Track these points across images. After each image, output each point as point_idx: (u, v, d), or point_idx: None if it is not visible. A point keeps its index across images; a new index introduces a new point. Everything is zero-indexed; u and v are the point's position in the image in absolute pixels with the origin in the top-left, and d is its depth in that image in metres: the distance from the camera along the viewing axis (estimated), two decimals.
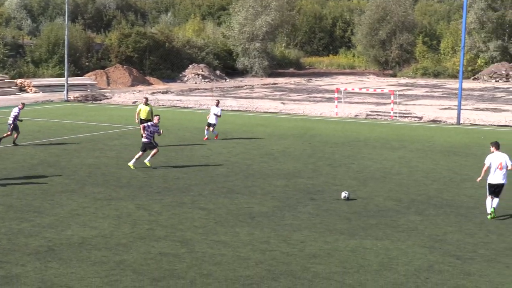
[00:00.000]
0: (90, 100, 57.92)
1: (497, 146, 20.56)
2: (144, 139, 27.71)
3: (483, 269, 15.66)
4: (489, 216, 20.06)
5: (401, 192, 23.68)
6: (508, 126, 42.93)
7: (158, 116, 28.36)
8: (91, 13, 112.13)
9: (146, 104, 34.08)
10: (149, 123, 27.93)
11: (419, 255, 16.60)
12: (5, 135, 32.56)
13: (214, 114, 35.34)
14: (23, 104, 34.52)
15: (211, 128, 35.35)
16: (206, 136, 35.26)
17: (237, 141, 35.05)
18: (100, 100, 58.45)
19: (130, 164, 27.29)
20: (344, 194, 22.42)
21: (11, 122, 32.57)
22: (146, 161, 27.50)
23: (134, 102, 55.96)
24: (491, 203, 20.14)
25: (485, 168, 20.46)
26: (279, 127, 40.41)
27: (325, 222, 19.53)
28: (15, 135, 32.73)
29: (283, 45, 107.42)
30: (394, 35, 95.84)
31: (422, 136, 37.70)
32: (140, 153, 27.61)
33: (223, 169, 27.41)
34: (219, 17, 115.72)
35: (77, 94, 60.29)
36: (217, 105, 36.35)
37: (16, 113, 32.63)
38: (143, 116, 33.56)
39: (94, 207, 20.94)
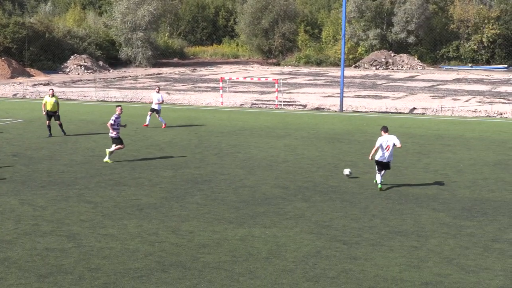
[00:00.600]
0: None
1: (386, 129, 22.82)
2: (112, 134, 27.09)
3: (369, 253, 16.05)
4: (379, 186, 22.45)
5: (288, 179, 23.97)
6: (389, 112, 44.10)
7: (120, 107, 27.85)
8: None
9: (53, 95, 33.86)
10: (113, 117, 27.18)
11: (306, 242, 16.87)
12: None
13: (158, 100, 36.19)
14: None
15: (157, 115, 36.31)
16: (147, 123, 36.31)
17: (123, 133, 34.59)
18: None
19: (107, 159, 26.91)
20: (347, 172, 24.12)
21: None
22: (106, 159, 27.00)
23: (15, 95, 54.53)
24: (380, 178, 22.55)
25: (375, 148, 22.42)
26: (165, 117, 40.18)
27: (213, 211, 19.57)
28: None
29: (166, 34, 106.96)
30: (277, 24, 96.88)
31: (306, 124, 38.26)
32: (121, 146, 27.30)
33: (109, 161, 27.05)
34: (100, 6, 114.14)
35: None
36: (158, 92, 36.99)
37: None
38: (49, 107, 33.48)
39: None
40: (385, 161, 22.42)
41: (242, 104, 48.11)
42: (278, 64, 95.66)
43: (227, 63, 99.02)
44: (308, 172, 25.22)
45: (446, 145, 31.30)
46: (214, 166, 26.31)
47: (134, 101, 49.99)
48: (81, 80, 69.76)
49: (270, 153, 29.16)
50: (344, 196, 21.57)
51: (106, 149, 27.47)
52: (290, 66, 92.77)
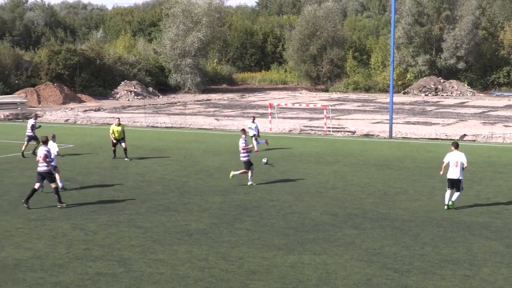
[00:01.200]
0: (21, 119, 57.08)
1: (456, 145, 23.45)
2: (244, 159, 27.92)
3: (420, 281, 15.87)
4: (446, 207, 23.01)
5: (337, 206, 23.87)
6: (439, 139, 43.72)
7: (244, 130, 29.07)
8: (19, 30, 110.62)
9: (119, 124, 34.86)
10: (242, 140, 27.98)
11: (357, 269, 16.75)
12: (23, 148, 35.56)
13: (250, 128, 37.22)
14: (36, 115, 39.02)
15: (253, 139, 37.04)
16: (256, 149, 36.94)
17: (172, 158, 34.91)
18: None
19: (251, 182, 27.76)
20: (264, 160, 26.15)
21: (30, 133, 35.72)
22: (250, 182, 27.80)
23: (66, 120, 55.32)
24: (449, 196, 23.18)
25: (444, 164, 23.49)
26: (214, 143, 40.36)
27: (262, 238, 19.56)
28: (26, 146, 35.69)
29: (215, 61, 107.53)
30: (325, 50, 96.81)
31: (355, 150, 38.11)
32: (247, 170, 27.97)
33: (159, 187, 27.25)
34: (150, 33, 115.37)
35: (7, 113, 59.30)
36: (253, 121, 37.84)
37: (33, 123, 35.97)
38: (117, 135, 34.53)
39: (28, 227, 20.58)
40: (453, 178, 22.97)
41: (291, 130, 48.13)
42: (326, 90, 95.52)
43: (275, 89, 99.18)
44: (358, 199, 25.08)
45: (497, 172, 30.91)
46: (263, 192, 26.32)
47: (183, 127, 50.31)
48: (131, 106, 70.48)
49: (319, 179, 29.09)
50: (395, 223, 21.39)
51: (232, 171, 28.31)
52: (338, 92, 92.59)
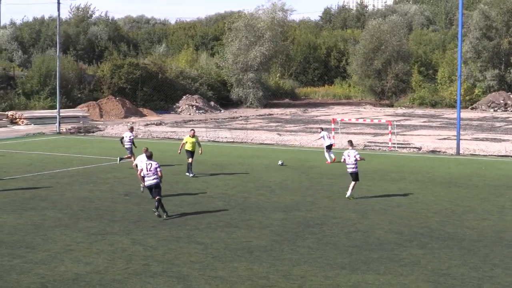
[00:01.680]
0: (83, 132, 57.82)
1: None
2: (354, 170, 28.58)
3: None
4: None
5: (402, 224, 23.46)
6: (509, 156, 42.83)
7: (351, 142, 30.17)
8: (83, 44, 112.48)
9: (193, 136, 34.35)
10: (355, 154, 28.64)
11: None
12: (126, 156, 37.19)
13: (331, 141, 40.52)
14: (132, 128, 38.91)
15: (326, 150, 39.79)
16: (329, 160, 39.18)
17: (233, 174, 34.86)
18: (93, 132, 58.36)
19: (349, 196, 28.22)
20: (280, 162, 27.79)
21: (129, 146, 36.51)
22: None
23: None
24: None
25: None
26: (276, 158, 40.20)
27: (325, 256, 19.28)
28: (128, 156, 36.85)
29: (278, 75, 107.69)
30: (390, 65, 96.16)
31: (421, 167, 37.56)
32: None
33: (219, 202, 27.19)
34: (212, 47, 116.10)
35: (69, 126, 60.21)
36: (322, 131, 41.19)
37: (131, 136, 36.90)
38: (189, 147, 33.98)
39: (88, 242, 20.67)
40: None
41: (355, 146, 47.64)
42: (391, 105, 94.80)
43: (338, 104, 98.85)
44: (424, 217, 24.62)
45: None
46: (325, 209, 26.05)
47: (245, 142, 50.31)
48: (192, 120, 70.92)
49: (383, 196, 28.69)
50: (462, 243, 20.89)
51: (347, 193, 28.29)
52: (403, 108, 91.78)
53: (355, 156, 28.24)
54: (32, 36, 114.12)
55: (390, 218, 24.42)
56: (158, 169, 24.55)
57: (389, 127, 48.23)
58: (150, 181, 24.53)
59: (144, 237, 21.37)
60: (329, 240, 21.18)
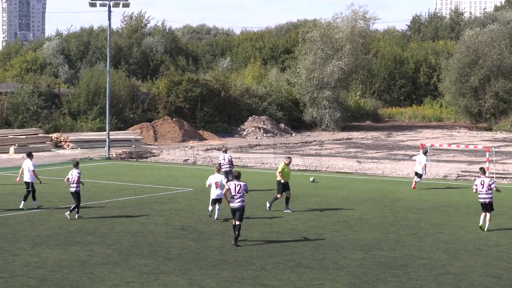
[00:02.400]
0: (135, 158, 58.56)
1: None
2: None
3: None
4: None
5: (501, 267, 23.29)
6: None
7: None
8: (136, 58, 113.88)
9: (289, 163, 34.30)
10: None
11: None
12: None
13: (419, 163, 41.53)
14: (226, 148, 42.10)
15: (417, 177, 41.43)
16: (414, 186, 41.20)
17: (306, 206, 34.98)
18: (146, 157, 59.06)
19: None
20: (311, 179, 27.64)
21: (228, 168, 38.04)
22: None
23: (185, 160, 56.41)
24: None
25: None
26: (355, 189, 40.21)
27: None
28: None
29: (358, 93, 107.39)
30: (488, 82, 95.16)
31: None
32: None
33: (289, 239, 27.33)
34: (283, 61, 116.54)
35: (120, 151, 61.05)
36: (425, 154, 42.32)
37: (230, 157, 39.05)
38: (286, 177, 33.58)
39: (139, 282, 21.01)
40: None
41: (446, 176, 47.43)
42: (489, 129, 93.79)
43: (428, 127, 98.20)
44: None
45: None
46: (411, 248, 25.99)
47: (319, 170, 50.41)
48: (259, 145, 71.18)
49: (479, 234, 28.49)
50: None
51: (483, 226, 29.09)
52: (504, 132, 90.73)
53: (489, 185, 29.25)
54: (79, 49, 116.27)
55: (486, 260, 24.26)
56: (246, 188, 26.34)
57: (487, 154, 47.77)
58: (237, 203, 25.96)
59: (202, 277, 21.62)
60: (414, 284, 21.15)
